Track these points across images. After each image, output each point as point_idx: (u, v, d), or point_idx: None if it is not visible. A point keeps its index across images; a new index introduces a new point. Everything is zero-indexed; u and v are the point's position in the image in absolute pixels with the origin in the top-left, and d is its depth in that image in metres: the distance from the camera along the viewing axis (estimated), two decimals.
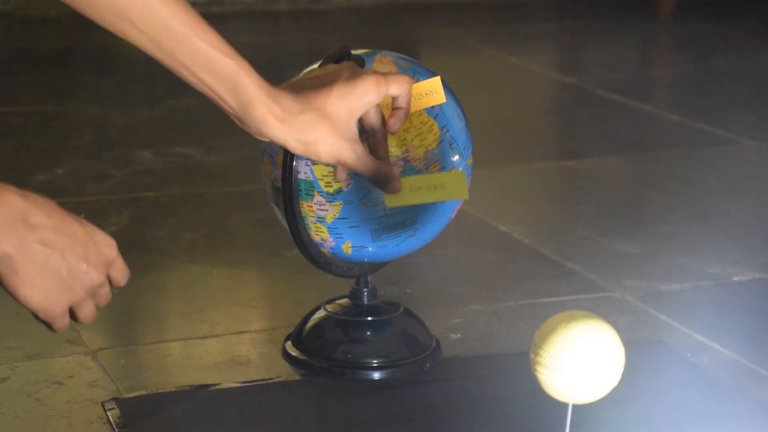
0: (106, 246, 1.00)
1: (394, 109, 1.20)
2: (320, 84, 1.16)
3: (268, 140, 1.17)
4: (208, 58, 1.10)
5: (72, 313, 1.00)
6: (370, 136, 1.22)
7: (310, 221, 1.35)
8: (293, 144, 1.14)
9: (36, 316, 0.99)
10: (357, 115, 1.16)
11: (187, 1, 1.10)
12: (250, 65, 1.12)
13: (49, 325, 0.99)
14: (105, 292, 1.01)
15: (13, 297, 0.96)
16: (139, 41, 1.09)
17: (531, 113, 2.89)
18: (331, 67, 1.21)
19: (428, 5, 4.06)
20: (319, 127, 1.14)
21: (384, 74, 1.18)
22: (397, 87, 1.18)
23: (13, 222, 0.94)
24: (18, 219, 0.94)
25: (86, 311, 1.00)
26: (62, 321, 0.98)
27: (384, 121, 1.21)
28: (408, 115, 1.22)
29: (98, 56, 3.24)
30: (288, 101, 1.14)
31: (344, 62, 1.23)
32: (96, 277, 0.99)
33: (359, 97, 1.16)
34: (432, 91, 1.28)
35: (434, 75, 1.37)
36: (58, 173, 2.21)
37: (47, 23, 3.60)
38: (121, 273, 1.02)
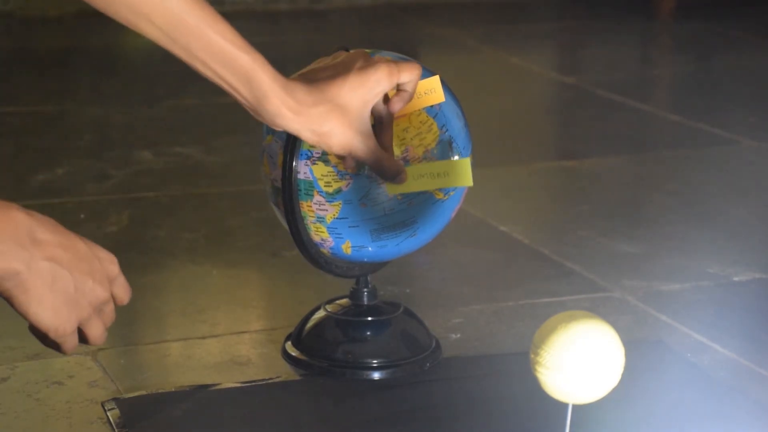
0: (108, 262, 1.00)
1: (399, 90, 1.22)
2: (334, 74, 1.17)
3: (282, 130, 1.18)
4: (222, 52, 1.11)
5: (81, 336, 0.99)
6: (377, 122, 1.23)
7: (310, 221, 1.35)
8: (307, 135, 1.16)
9: (43, 340, 0.97)
10: (370, 105, 1.18)
11: None
12: (264, 58, 1.13)
13: (58, 347, 0.97)
14: (110, 310, 1.01)
15: (23, 316, 0.94)
16: (154, 35, 1.10)
17: (531, 113, 2.89)
18: (343, 56, 1.21)
19: (428, 5, 4.06)
20: (332, 118, 1.16)
21: (395, 62, 1.20)
22: (408, 74, 1.21)
23: (21, 239, 0.92)
24: (25, 236, 0.93)
25: (96, 330, 0.99)
26: (72, 340, 0.97)
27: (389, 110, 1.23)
28: (411, 98, 1.23)
29: (98, 56, 3.24)
30: (302, 93, 1.15)
31: (355, 50, 1.23)
32: (101, 293, 0.98)
33: (371, 87, 1.18)
34: (431, 90, 1.28)
35: (433, 74, 1.37)
36: (58, 173, 2.21)
37: (47, 23, 3.60)
38: (123, 290, 1.02)
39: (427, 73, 1.36)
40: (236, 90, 1.13)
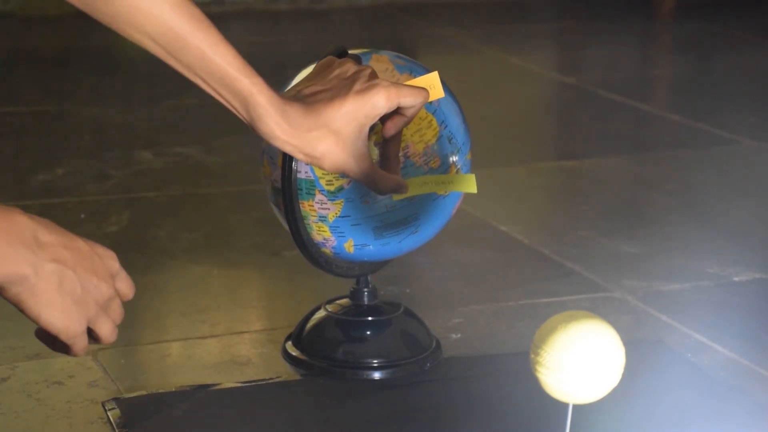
0: (108, 258, 1.00)
1: (397, 114, 1.22)
2: (332, 96, 1.18)
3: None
4: (223, 74, 1.14)
5: (91, 335, 0.99)
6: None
7: (312, 220, 1.35)
8: (300, 156, 1.19)
9: (51, 344, 0.97)
10: (365, 129, 1.19)
11: (204, 15, 1.13)
12: (263, 80, 1.16)
13: (67, 349, 0.97)
14: (117, 306, 1.01)
15: (34, 320, 0.94)
16: (156, 51, 1.13)
17: (531, 113, 2.89)
18: (349, 68, 1.21)
19: (428, 5, 4.06)
20: (326, 143, 1.17)
21: (396, 85, 1.19)
22: (410, 99, 1.21)
23: (27, 242, 0.92)
24: (31, 239, 0.93)
25: (106, 328, 0.99)
26: (82, 341, 0.97)
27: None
28: (407, 124, 1.23)
29: (98, 56, 3.24)
30: (298, 117, 1.16)
31: (363, 65, 1.23)
32: (106, 289, 0.98)
33: (368, 112, 1.18)
34: (430, 86, 1.28)
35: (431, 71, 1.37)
36: (58, 173, 2.21)
37: (47, 23, 3.60)
38: (127, 285, 1.02)
39: (424, 71, 1.36)
40: (234, 108, 1.17)
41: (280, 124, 1.16)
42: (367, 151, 1.20)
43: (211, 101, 1.18)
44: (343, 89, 1.19)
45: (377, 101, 1.18)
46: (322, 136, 1.17)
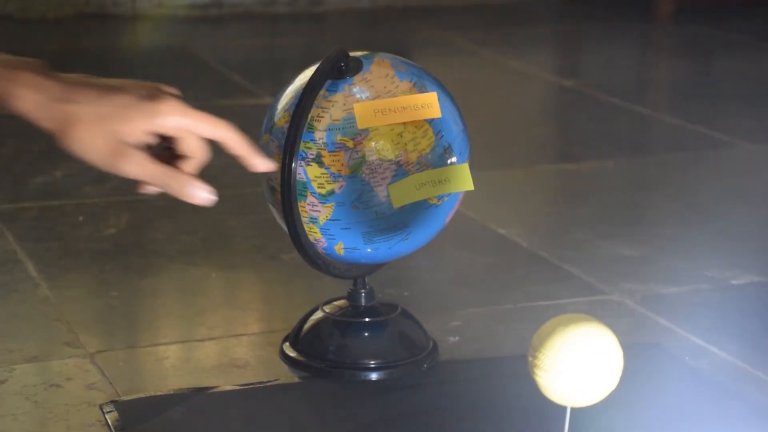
0: None
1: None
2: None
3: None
4: None
5: None
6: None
7: (303, 221, 1.35)
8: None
9: None
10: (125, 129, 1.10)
11: None
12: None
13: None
14: None
15: None
16: None
17: (529, 116, 2.89)
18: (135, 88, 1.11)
19: (426, 8, 4.07)
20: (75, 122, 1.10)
21: (185, 110, 1.09)
22: (172, 127, 1.10)
23: None
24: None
25: None
26: None
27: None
28: (200, 166, 1.15)
29: (96, 58, 3.24)
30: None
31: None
32: None
33: (118, 124, 1.09)
34: (428, 104, 1.28)
35: (433, 76, 1.37)
36: (57, 176, 2.21)
37: (46, 25, 3.60)
38: None
39: (426, 75, 1.36)
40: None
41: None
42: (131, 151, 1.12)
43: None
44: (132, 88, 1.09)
45: (134, 116, 1.09)
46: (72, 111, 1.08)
